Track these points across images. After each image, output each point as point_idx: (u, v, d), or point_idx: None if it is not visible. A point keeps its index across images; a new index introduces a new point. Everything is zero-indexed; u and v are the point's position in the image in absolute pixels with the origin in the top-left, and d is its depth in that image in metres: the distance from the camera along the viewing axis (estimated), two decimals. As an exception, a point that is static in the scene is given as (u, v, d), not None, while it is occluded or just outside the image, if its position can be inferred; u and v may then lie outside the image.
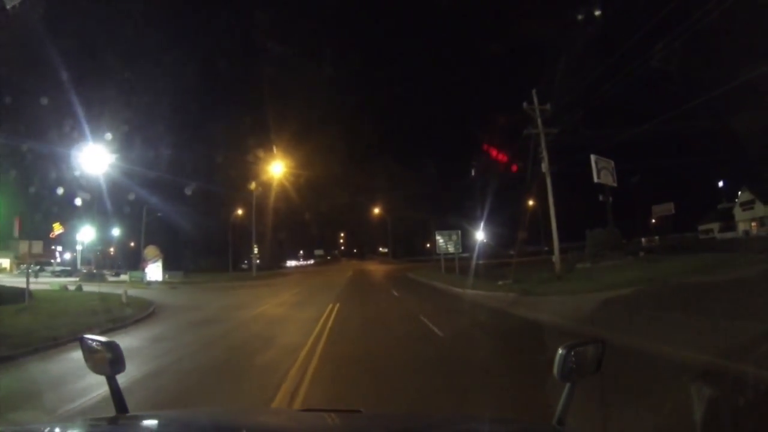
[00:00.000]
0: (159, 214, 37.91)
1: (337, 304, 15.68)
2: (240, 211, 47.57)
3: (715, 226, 46.68)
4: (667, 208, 42.28)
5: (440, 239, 32.46)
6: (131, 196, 45.79)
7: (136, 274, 35.76)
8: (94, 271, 41.26)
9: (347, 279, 34.90)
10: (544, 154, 18.55)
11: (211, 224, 53.54)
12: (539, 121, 18.62)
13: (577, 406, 1.64)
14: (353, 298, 18.78)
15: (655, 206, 43.35)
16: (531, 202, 57.02)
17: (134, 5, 30.04)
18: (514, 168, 37.39)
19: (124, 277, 37.67)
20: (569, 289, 14.84)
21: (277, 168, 39.22)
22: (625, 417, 4.28)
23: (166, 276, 37.08)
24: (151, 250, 35.41)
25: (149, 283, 32.83)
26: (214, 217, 53.09)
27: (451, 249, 31.98)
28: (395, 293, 20.97)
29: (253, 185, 40.37)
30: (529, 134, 18.78)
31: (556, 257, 19.45)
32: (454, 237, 32.31)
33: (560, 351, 1.59)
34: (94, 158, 24.82)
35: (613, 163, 21.67)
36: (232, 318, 14.06)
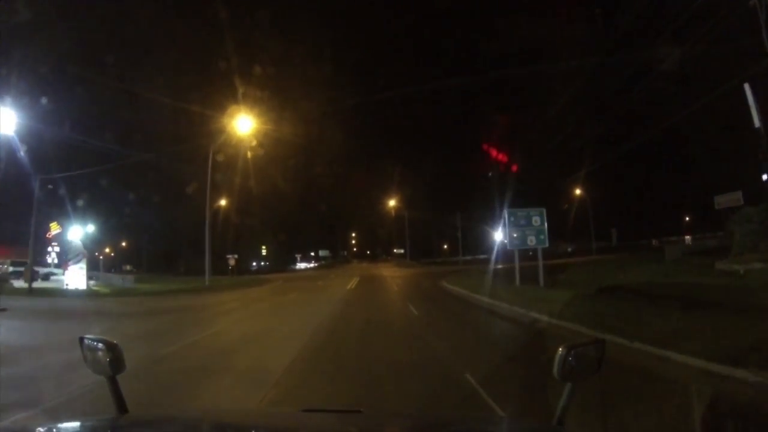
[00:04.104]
0: (50, 186, 26.44)
1: None
2: (223, 202, 40.35)
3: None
4: (735, 198, 34.74)
5: (512, 229, 19.44)
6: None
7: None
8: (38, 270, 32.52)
9: (343, 297, 20.41)
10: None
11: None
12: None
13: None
14: None
15: (718, 196, 36.25)
16: (578, 191, 49.75)
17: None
18: (514, 168, 34.44)
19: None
20: None
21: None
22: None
23: (91, 282, 27.09)
24: (72, 247, 25.50)
25: None
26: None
27: (532, 242, 19.66)
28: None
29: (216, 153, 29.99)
30: None
31: None
32: (536, 220, 19.63)
33: (560, 351, 1.52)
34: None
35: None
36: None
